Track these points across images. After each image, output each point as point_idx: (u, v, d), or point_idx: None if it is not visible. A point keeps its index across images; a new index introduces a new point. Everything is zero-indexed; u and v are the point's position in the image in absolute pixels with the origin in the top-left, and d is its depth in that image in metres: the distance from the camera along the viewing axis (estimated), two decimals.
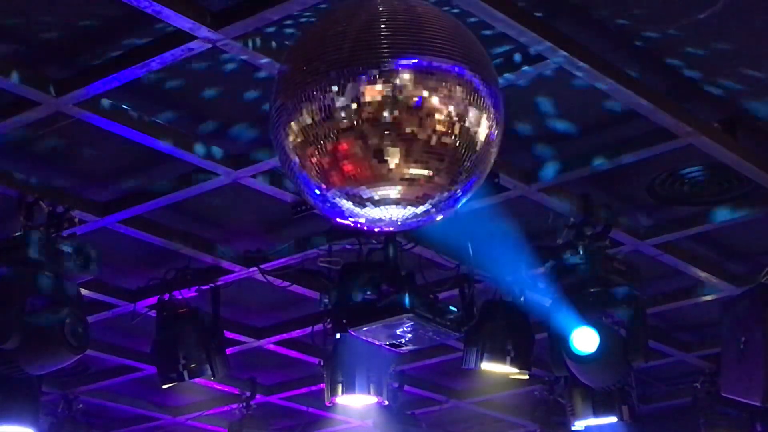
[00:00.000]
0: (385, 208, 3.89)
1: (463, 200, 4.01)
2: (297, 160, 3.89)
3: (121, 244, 7.61)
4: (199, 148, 6.57)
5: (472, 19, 5.39)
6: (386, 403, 8.06)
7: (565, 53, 5.63)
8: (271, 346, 9.16)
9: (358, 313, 6.48)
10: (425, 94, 3.71)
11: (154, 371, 7.89)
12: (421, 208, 3.92)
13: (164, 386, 7.83)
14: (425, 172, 3.80)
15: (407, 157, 3.76)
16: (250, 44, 5.59)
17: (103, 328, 8.53)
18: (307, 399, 10.13)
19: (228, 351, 7.98)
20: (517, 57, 5.82)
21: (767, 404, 6.68)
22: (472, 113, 3.79)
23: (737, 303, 6.96)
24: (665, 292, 8.55)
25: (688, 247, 7.93)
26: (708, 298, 8.52)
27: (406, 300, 6.29)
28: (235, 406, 9.79)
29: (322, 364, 7.85)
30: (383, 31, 3.76)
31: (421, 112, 3.72)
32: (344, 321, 6.56)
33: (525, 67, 5.84)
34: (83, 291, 6.92)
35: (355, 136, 3.74)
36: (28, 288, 6.42)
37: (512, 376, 7.78)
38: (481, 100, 3.81)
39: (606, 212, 7.14)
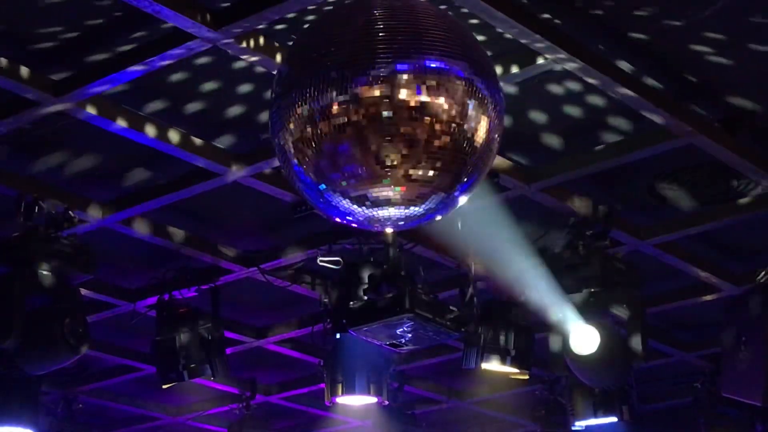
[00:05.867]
0: (385, 208, 3.89)
1: (463, 200, 4.00)
2: (296, 160, 3.88)
3: (121, 244, 7.60)
4: (200, 147, 6.57)
5: (474, 21, 5.39)
6: (386, 402, 8.05)
7: (563, 51, 5.62)
8: (271, 346, 9.15)
9: (358, 312, 6.46)
10: (425, 94, 3.71)
11: (154, 371, 7.89)
12: (420, 208, 3.91)
13: (164, 386, 7.83)
14: (425, 172, 3.79)
15: (407, 157, 3.75)
16: (250, 44, 5.58)
17: (103, 328, 8.52)
18: (307, 399, 10.12)
19: (228, 351, 7.98)
20: (515, 55, 5.82)
21: (767, 404, 6.69)
22: (472, 113, 3.79)
23: (737, 303, 6.96)
24: (665, 292, 8.54)
25: (688, 247, 7.93)
26: (708, 298, 8.51)
27: (406, 300, 6.28)
28: (235, 406, 9.78)
29: (322, 363, 7.84)
30: (382, 32, 3.76)
31: (420, 112, 3.71)
32: (344, 321, 6.55)
33: (523, 66, 5.83)
34: (83, 291, 6.92)
35: (355, 137, 3.74)
36: (28, 288, 6.42)
37: (512, 376, 7.77)
38: (481, 99, 3.81)
39: (606, 212, 7.13)
